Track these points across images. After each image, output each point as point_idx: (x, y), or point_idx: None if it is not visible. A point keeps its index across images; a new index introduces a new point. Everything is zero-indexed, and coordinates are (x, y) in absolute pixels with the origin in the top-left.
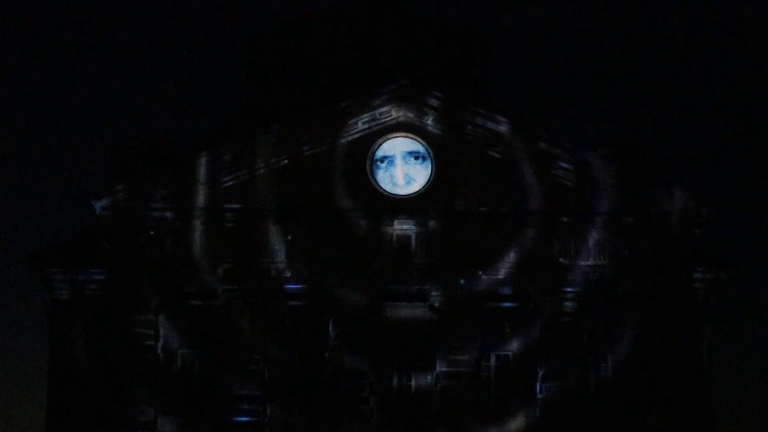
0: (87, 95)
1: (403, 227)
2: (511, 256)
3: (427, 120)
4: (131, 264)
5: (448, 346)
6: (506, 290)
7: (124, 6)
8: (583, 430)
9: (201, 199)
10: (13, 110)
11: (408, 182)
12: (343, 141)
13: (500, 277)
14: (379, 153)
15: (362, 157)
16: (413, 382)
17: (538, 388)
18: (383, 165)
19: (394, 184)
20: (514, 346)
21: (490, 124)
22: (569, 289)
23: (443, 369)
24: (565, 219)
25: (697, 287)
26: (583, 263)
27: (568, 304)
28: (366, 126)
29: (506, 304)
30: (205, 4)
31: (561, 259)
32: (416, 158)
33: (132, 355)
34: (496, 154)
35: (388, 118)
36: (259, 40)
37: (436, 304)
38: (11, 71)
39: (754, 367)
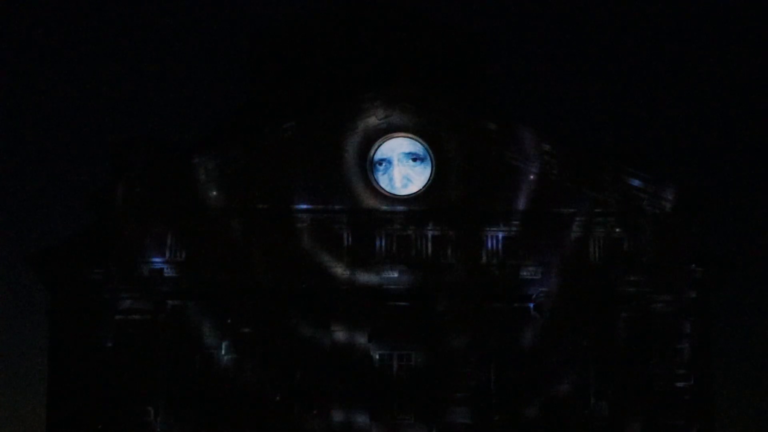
0: (87, 95)
1: (402, 228)
2: (511, 257)
3: (427, 121)
4: (131, 264)
5: (451, 349)
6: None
7: (125, 5)
8: (584, 430)
9: (200, 199)
10: (13, 110)
11: (405, 185)
12: (341, 142)
13: (499, 276)
14: (378, 154)
15: (361, 159)
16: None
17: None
18: (381, 167)
19: (393, 185)
20: (512, 346)
21: (489, 125)
22: (568, 289)
23: (446, 371)
24: (564, 219)
25: (697, 286)
26: (582, 263)
27: (568, 303)
28: (365, 127)
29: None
30: (205, 3)
31: (561, 259)
32: (414, 159)
33: (132, 355)
34: (496, 155)
35: (387, 119)
36: (259, 40)
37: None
38: (12, 71)
39: (755, 367)
